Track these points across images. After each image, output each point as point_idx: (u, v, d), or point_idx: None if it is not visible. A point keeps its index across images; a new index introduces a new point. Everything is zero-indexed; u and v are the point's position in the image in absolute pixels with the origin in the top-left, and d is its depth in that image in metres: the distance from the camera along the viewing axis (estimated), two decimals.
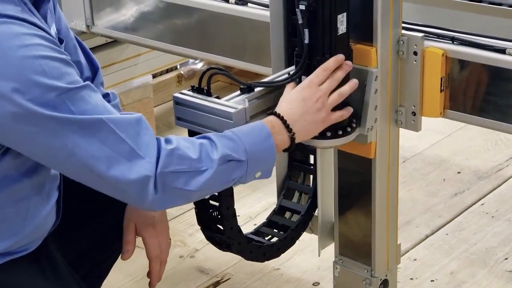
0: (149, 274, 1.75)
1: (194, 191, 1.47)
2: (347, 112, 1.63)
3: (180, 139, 1.48)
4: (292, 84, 1.61)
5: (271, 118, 1.56)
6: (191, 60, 3.43)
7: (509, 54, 1.66)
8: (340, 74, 1.59)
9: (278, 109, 1.57)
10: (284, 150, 1.58)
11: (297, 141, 1.57)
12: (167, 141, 1.46)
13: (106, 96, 1.80)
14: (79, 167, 1.41)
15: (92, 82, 1.76)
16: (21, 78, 1.35)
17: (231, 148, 1.48)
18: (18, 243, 1.55)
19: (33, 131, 1.38)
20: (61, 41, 1.62)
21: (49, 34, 1.44)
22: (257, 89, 1.64)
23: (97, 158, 1.40)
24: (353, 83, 1.62)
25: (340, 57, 1.59)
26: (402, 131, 1.81)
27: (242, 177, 1.52)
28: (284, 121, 1.55)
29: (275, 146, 1.52)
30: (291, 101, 1.57)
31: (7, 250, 1.53)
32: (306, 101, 1.56)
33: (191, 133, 1.65)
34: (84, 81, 1.73)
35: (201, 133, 1.63)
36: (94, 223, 1.81)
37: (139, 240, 1.75)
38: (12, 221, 1.53)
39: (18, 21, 1.38)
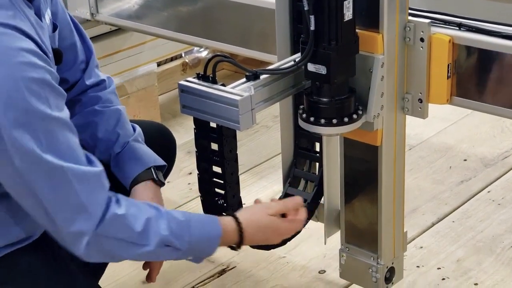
0: (146, 266, 1.76)
1: (125, 258, 1.52)
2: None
3: (131, 204, 1.49)
4: (276, 209, 1.67)
5: (234, 225, 1.59)
6: (195, 48, 3.42)
7: None
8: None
9: (247, 223, 1.60)
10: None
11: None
12: (118, 203, 1.47)
13: (102, 82, 1.80)
14: (31, 198, 1.43)
15: (87, 65, 1.78)
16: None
17: (176, 235, 1.51)
18: (21, 234, 1.56)
19: None
20: (55, 27, 1.61)
21: (40, 42, 1.42)
22: (262, 77, 1.63)
23: (48, 200, 1.41)
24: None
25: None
26: (408, 119, 1.80)
27: (172, 259, 1.57)
28: (240, 241, 1.60)
29: (218, 247, 1.58)
30: (261, 230, 1.64)
31: (14, 240, 1.55)
32: (272, 234, 1.66)
33: (197, 121, 1.65)
34: (79, 65, 1.76)
35: (207, 121, 1.62)
36: None
37: None
38: (17, 210, 1.53)
39: (9, 29, 1.37)
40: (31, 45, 1.39)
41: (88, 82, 1.78)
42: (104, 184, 1.47)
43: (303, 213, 1.71)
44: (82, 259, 1.49)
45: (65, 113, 1.44)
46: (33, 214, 1.47)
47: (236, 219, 1.59)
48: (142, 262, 1.74)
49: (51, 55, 1.51)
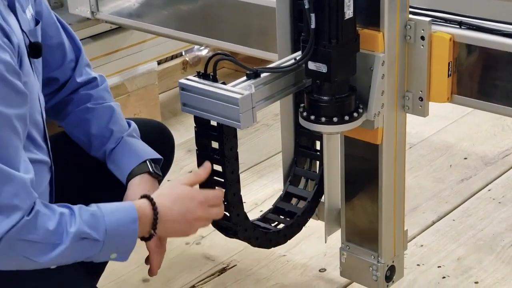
0: (148, 261, 1.75)
1: (38, 263, 1.44)
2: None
3: (42, 205, 1.44)
4: (189, 180, 1.62)
5: (146, 205, 1.54)
6: (196, 47, 3.42)
7: None
8: (221, 211, 1.65)
9: (159, 198, 1.56)
10: (141, 239, 1.58)
11: (155, 236, 1.58)
12: (33, 208, 1.42)
13: (93, 80, 1.80)
14: None
15: (76, 64, 1.77)
16: None
17: (90, 225, 1.46)
18: None
19: None
20: (37, 22, 1.60)
21: (3, 30, 1.40)
22: (263, 75, 1.63)
23: None
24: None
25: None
26: (408, 117, 1.80)
27: (94, 256, 1.50)
28: (155, 219, 1.54)
29: (138, 234, 1.52)
30: (176, 202, 1.57)
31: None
32: (186, 215, 1.58)
33: (197, 119, 1.65)
34: (68, 63, 1.75)
35: (207, 120, 1.62)
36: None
37: None
38: None
39: None
40: None
41: (79, 79, 1.77)
42: (29, 192, 1.41)
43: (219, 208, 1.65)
44: None
45: (12, 111, 1.40)
46: None
47: (147, 197, 1.55)
48: (142, 259, 1.74)
49: (17, 40, 1.47)
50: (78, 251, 1.46)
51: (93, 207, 1.49)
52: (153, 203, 1.55)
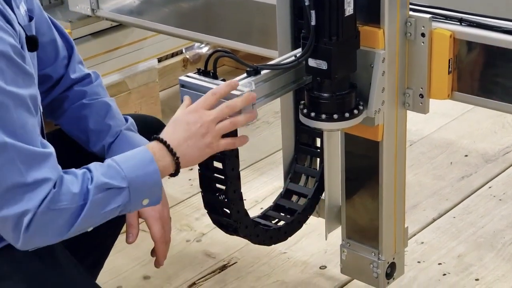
0: (153, 253, 1.76)
1: (73, 227, 1.43)
2: (240, 141, 1.58)
3: (67, 174, 1.43)
4: (185, 106, 1.57)
5: (153, 143, 1.52)
6: (196, 44, 3.42)
7: None
8: (237, 102, 1.54)
9: (162, 133, 1.54)
10: (170, 175, 1.54)
11: (182, 166, 1.53)
12: (58, 179, 1.41)
13: (87, 76, 1.79)
14: None
15: (69, 61, 1.77)
16: None
17: (109, 176, 1.45)
18: None
19: None
20: (31, 18, 1.61)
21: (2, 14, 1.40)
22: (263, 72, 1.63)
23: None
24: (252, 116, 1.57)
25: (233, 82, 1.55)
26: (409, 114, 1.80)
27: (126, 205, 1.48)
28: (167, 146, 1.51)
29: (160, 171, 1.49)
30: (175, 125, 1.53)
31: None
32: (190, 126, 1.52)
33: None
34: (61, 60, 1.75)
35: None
36: None
37: (142, 224, 1.75)
38: None
39: None
40: None
41: (73, 76, 1.77)
42: (54, 165, 1.41)
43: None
44: (16, 244, 1.42)
45: (24, 91, 1.40)
46: None
47: (154, 137, 1.53)
48: (143, 256, 1.74)
49: (18, 28, 1.48)
50: (105, 203, 1.44)
51: (107, 160, 1.48)
52: (156, 138, 1.52)
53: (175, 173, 1.54)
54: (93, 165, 1.47)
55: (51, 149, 1.44)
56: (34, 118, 1.43)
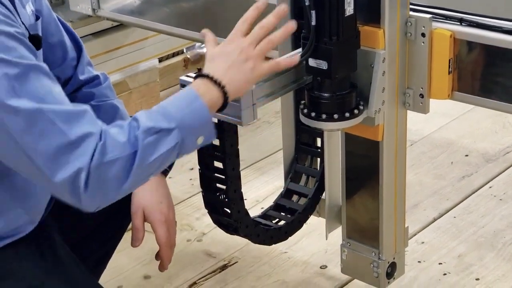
0: (158, 257, 1.76)
1: (130, 177, 1.40)
2: (285, 61, 1.53)
3: (111, 126, 1.41)
4: (212, 41, 1.52)
5: (196, 81, 1.48)
6: (197, 44, 3.42)
7: None
8: (269, 19, 1.50)
9: (203, 70, 1.49)
10: (220, 109, 1.49)
11: (230, 95, 1.48)
12: (102, 131, 1.40)
13: (96, 78, 1.79)
14: (17, 154, 1.37)
15: (77, 62, 1.77)
16: None
17: (155, 119, 1.41)
18: (10, 224, 1.54)
19: None
20: (37, 17, 1.60)
21: (5, 6, 1.40)
22: (225, 108, 1.61)
23: (34, 149, 1.35)
24: (288, 27, 1.51)
25: (259, 4, 1.52)
26: (409, 114, 1.80)
27: (181, 146, 1.42)
28: (210, 77, 1.45)
29: (207, 105, 1.44)
30: (213, 59, 1.49)
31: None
32: (229, 55, 1.47)
33: None
34: (70, 61, 1.75)
35: None
36: None
37: (146, 225, 1.75)
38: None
39: None
40: None
41: (82, 77, 1.77)
42: (93, 118, 1.40)
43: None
44: (82, 205, 1.39)
45: (39, 61, 1.39)
46: (25, 172, 1.41)
47: (197, 75, 1.48)
48: (144, 256, 1.74)
49: (21, 27, 1.48)
50: (159, 146, 1.40)
51: (153, 107, 1.44)
52: (199, 74, 1.48)
53: (223, 106, 1.48)
54: (138, 114, 1.43)
55: (85, 106, 1.41)
56: (58, 85, 1.41)
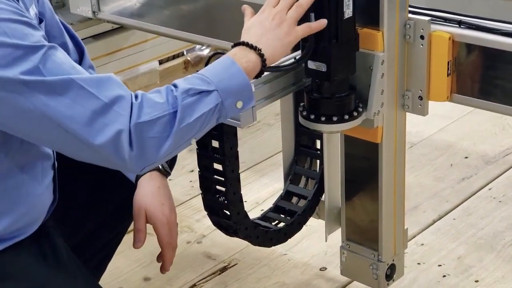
0: (159, 259, 1.76)
1: (171, 137, 1.41)
2: (317, 24, 1.57)
3: (146, 93, 1.44)
4: (250, 14, 1.59)
5: (233, 49, 1.53)
6: (197, 46, 3.43)
7: None
8: None
9: (242, 36, 1.55)
10: (258, 74, 1.53)
11: (268, 58, 1.52)
12: (135, 95, 1.42)
13: None
14: (53, 129, 1.38)
15: (80, 65, 1.77)
16: None
17: (193, 83, 1.44)
18: (12, 225, 1.54)
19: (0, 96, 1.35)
20: (41, 20, 1.62)
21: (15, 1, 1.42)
22: (263, 74, 1.63)
23: (70, 117, 1.37)
24: None
25: None
26: (409, 116, 1.80)
27: (221, 109, 1.46)
28: (246, 43, 1.51)
29: (244, 70, 1.48)
30: (248, 29, 1.56)
31: (1, 234, 1.53)
32: (263, 22, 1.55)
33: None
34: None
35: None
36: (96, 206, 1.81)
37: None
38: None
39: None
40: None
41: None
42: (118, 82, 1.42)
43: None
44: (134, 168, 1.42)
45: (55, 44, 1.42)
46: (60, 145, 1.43)
47: (234, 44, 1.54)
48: (144, 258, 1.74)
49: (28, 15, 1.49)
50: (199, 106, 1.43)
51: (192, 74, 1.48)
52: (236, 43, 1.53)
53: (261, 71, 1.53)
54: (176, 80, 1.46)
55: (109, 74, 1.44)
56: (65, 53, 1.43)
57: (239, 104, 1.48)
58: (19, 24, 1.37)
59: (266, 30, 1.54)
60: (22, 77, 1.34)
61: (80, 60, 1.79)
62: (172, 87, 1.44)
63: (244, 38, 1.54)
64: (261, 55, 1.51)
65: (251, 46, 1.51)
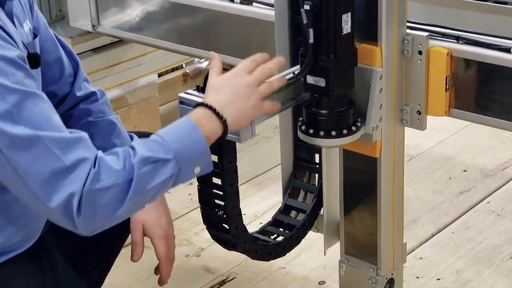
0: (157, 271, 1.76)
1: (124, 204, 1.40)
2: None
3: (106, 154, 1.43)
4: (215, 71, 1.55)
5: (198, 109, 1.49)
6: (196, 59, 3.43)
7: None
8: (270, 66, 1.56)
9: (206, 98, 1.51)
10: (218, 140, 1.50)
11: (230, 128, 1.50)
12: (96, 159, 1.41)
13: (93, 94, 1.80)
14: (13, 178, 1.39)
15: (74, 79, 1.78)
16: None
17: (152, 149, 1.42)
18: (11, 239, 1.55)
19: None
20: (35, 35, 1.62)
21: (4, 30, 1.42)
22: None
23: (28, 173, 1.37)
24: (283, 78, 1.59)
25: (264, 54, 1.57)
26: (408, 129, 1.81)
27: (177, 176, 1.44)
28: (213, 109, 1.48)
29: (205, 137, 1.46)
30: (219, 89, 1.51)
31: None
32: (236, 88, 1.50)
33: None
34: (67, 78, 1.76)
35: None
36: None
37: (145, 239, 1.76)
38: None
39: None
40: None
41: (79, 94, 1.78)
42: (88, 145, 1.41)
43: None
44: (82, 232, 1.41)
45: (39, 90, 1.42)
46: (20, 194, 1.43)
47: (197, 104, 1.50)
48: (141, 271, 1.74)
49: (20, 46, 1.50)
50: (155, 176, 1.41)
51: (151, 136, 1.45)
52: (200, 103, 1.49)
53: (222, 137, 1.50)
54: (135, 142, 1.45)
55: (82, 133, 1.43)
56: (56, 113, 1.43)
57: (197, 170, 1.47)
58: (4, 62, 1.36)
59: (237, 98, 1.50)
60: None
61: (75, 73, 1.79)
62: (131, 152, 1.42)
63: (211, 98, 1.50)
64: (225, 126, 1.49)
65: (217, 114, 1.48)
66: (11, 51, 1.39)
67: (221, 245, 1.80)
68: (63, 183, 1.37)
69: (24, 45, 1.53)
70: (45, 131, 1.37)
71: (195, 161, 1.46)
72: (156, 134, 1.46)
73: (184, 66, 3.45)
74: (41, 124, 1.38)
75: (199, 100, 1.58)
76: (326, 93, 1.61)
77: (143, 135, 1.92)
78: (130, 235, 1.78)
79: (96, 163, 1.39)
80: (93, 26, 2.59)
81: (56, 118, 1.42)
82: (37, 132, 1.36)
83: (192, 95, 1.62)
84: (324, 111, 1.65)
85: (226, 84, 1.51)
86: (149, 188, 1.41)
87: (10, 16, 1.51)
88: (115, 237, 1.84)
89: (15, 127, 1.35)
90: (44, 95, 1.42)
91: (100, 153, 1.42)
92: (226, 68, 1.65)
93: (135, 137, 1.47)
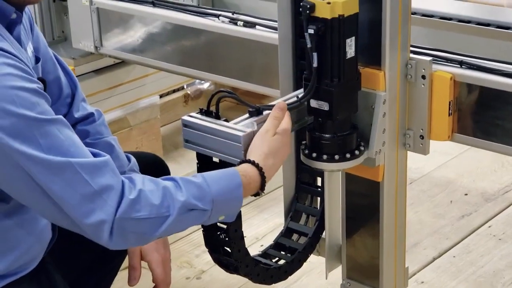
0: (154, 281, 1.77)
1: (153, 237, 1.47)
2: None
3: (145, 181, 1.47)
4: (276, 125, 1.60)
5: (247, 166, 1.54)
6: (197, 80, 3.44)
7: None
8: (279, 113, 1.61)
9: (254, 158, 1.56)
10: (252, 195, 1.58)
11: (264, 185, 1.57)
12: (132, 182, 1.46)
13: (90, 115, 1.80)
14: (43, 202, 1.42)
15: (72, 100, 1.78)
16: None
17: (197, 197, 1.48)
18: (14, 263, 1.54)
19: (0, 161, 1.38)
20: (38, 59, 1.63)
21: (21, 60, 1.44)
22: (265, 112, 1.64)
23: (60, 197, 1.40)
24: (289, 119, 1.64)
25: (282, 104, 1.61)
26: (410, 152, 1.80)
27: (204, 222, 1.52)
28: (259, 169, 1.54)
29: (244, 196, 1.53)
30: (274, 154, 1.57)
31: (2, 272, 1.53)
32: (277, 150, 1.58)
33: (199, 156, 1.65)
34: (64, 99, 1.76)
35: (209, 156, 1.63)
36: (91, 241, 1.81)
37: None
38: (2, 242, 1.53)
39: None
40: (13, 60, 1.41)
41: (77, 115, 1.78)
42: (114, 170, 1.45)
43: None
44: (109, 247, 1.46)
45: (60, 116, 1.45)
46: (50, 216, 1.47)
47: (249, 160, 1.55)
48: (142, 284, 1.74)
49: (33, 73, 1.50)
50: (189, 220, 1.48)
51: (198, 178, 1.50)
52: (256, 165, 1.54)
53: (256, 194, 1.57)
54: (182, 180, 1.49)
55: (106, 156, 1.47)
56: (76, 135, 1.46)
57: (221, 218, 1.54)
58: (27, 93, 1.39)
59: (277, 160, 1.59)
60: (23, 149, 1.37)
61: (73, 94, 1.79)
62: (172, 191, 1.46)
63: (267, 162, 1.56)
64: (262, 185, 1.55)
65: (262, 175, 1.54)
66: (33, 83, 1.41)
67: (223, 268, 1.79)
68: (95, 206, 1.41)
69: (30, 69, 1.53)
70: (74, 156, 1.41)
71: (225, 212, 1.53)
72: (202, 177, 1.51)
73: (185, 87, 3.45)
74: (68, 150, 1.41)
75: (202, 123, 1.59)
76: (330, 117, 1.62)
77: (144, 156, 1.93)
78: (127, 258, 1.78)
79: (134, 191, 1.44)
80: (96, 47, 2.59)
81: (79, 141, 1.45)
82: (68, 159, 1.40)
83: (196, 118, 1.62)
84: (327, 135, 1.65)
85: (273, 147, 1.57)
86: (181, 228, 1.49)
87: (18, 41, 1.52)
88: (114, 257, 1.83)
89: (47, 155, 1.38)
90: (63, 118, 1.45)
91: (140, 179, 1.46)
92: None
93: (177, 178, 1.52)
